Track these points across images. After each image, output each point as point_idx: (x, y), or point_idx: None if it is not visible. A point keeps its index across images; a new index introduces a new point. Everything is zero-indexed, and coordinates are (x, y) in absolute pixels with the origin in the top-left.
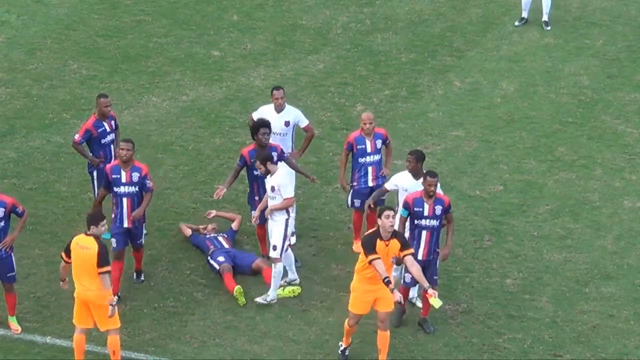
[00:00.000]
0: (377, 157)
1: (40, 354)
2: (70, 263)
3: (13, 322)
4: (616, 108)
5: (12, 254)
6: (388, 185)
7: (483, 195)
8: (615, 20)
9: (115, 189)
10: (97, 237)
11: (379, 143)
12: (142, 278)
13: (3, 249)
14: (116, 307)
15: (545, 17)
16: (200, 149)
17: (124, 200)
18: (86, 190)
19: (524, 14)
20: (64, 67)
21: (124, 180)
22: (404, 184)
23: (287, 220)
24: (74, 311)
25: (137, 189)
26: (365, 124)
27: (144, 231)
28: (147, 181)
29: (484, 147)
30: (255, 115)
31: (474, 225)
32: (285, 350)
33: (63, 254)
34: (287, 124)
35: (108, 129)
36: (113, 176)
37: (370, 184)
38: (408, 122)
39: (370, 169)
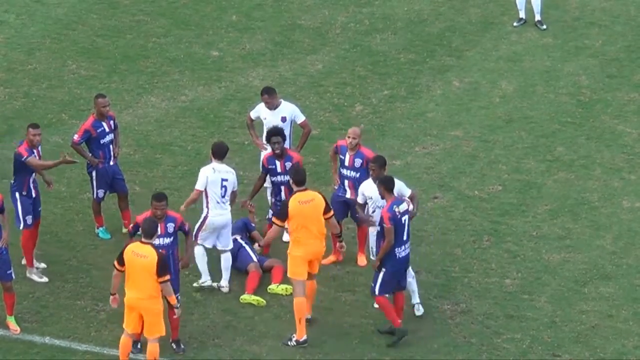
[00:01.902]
0: (354, 174)
1: (39, 354)
2: (123, 271)
3: (12, 322)
4: (615, 108)
5: (8, 251)
6: (359, 199)
7: (482, 195)
8: (614, 20)
9: None
10: (154, 246)
11: (357, 162)
12: (183, 346)
13: (3, 247)
14: (178, 312)
15: (537, 17)
16: (199, 149)
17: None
18: (85, 190)
19: (521, 14)
20: (62, 67)
21: (159, 232)
22: (368, 192)
23: (205, 217)
24: (125, 317)
25: (171, 239)
26: (349, 137)
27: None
28: (185, 226)
29: (483, 147)
30: (253, 113)
31: (473, 226)
32: (284, 350)
33: (116, 263)
34: (283, 120)
35: (107, 129)
36: None
37: (348, 195)
38: (407, 122)
39: (347, 182)
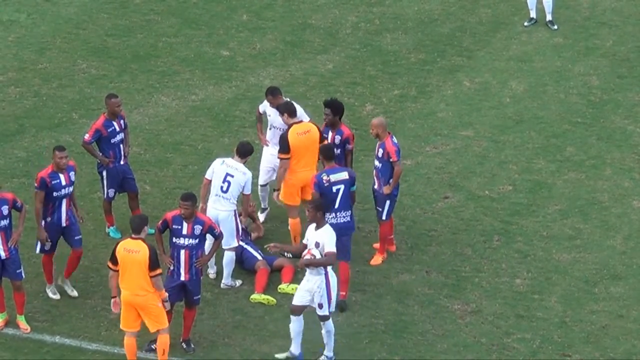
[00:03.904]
0: (377, 163)
1: (49, 353)
2: (118, 271)
3: (22, 321)
4: (626, 108)
5: (18, 250)
6: (305, 241)
7: (492, 195)
8: (625, 20)
9: (175, 240)
10: (145, 240)
11: (380, 152)
12: (193, 346)
13: (13, 246)
14: (168, 305)
15: (549, 17)
16: (210, 149)
17: (182, 252)
18: (95, 189)
19: (532, 14)
20: (73, 66)
21: (185, 232)
22: (307, 234)
23: (201, 208)
24: (121, 316)
25: (197, 241)
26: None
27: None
28: (215, 230)
29: (493, 147)
30: (261, 107)
31: (483, 226)
32: None
33: (110, 263)
34: None
35: (118, 129)
36: (174, 226)
37: (375, 185)
38: (417, 122)
39: (374, 171)
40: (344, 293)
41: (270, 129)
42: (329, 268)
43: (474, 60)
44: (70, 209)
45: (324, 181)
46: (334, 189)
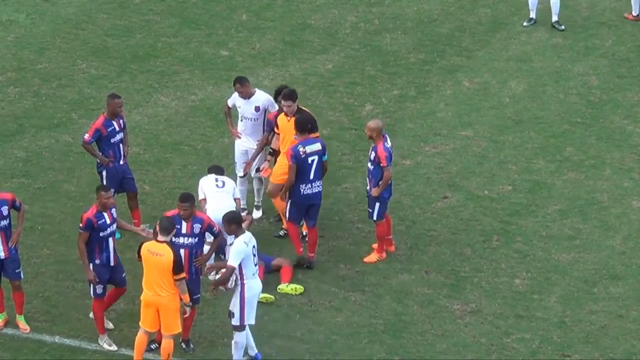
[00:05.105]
0: (369, 165)
1: (49, 354)
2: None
3: (21, 322)
4: (625, 108)
5: (18, 250)
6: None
7: (492, 195)
8: (624, 20)
9: (174, 239)
10: (170, 244)
11: (372, 155)
12: (192, 346)
13: (13, 246)
14: (189, 310)
15: (555, 18)
16: (209, 149)
17: (182, 251)
18: (95, 189)
19: (532, 14)
20: (72, 66)
21: (184, 231)
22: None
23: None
24: (142, 314)
25: (196, 240)
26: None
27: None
28: (214, 229)
29: (493, 147)
30: (230, 101)
31: (483, 226)
32: (294, 350)
33: (137, 257)
34: (257, 109)
35: (117, 128)
36: None
37: (368, 187)
38: (417, 122)
39: (367, 172)
40: (312, 254)
41: (241, 120)
42: (248, 281)
43: (473, 60)
44: (116, 247)
45: (301, 153)
46: (309, 159)
